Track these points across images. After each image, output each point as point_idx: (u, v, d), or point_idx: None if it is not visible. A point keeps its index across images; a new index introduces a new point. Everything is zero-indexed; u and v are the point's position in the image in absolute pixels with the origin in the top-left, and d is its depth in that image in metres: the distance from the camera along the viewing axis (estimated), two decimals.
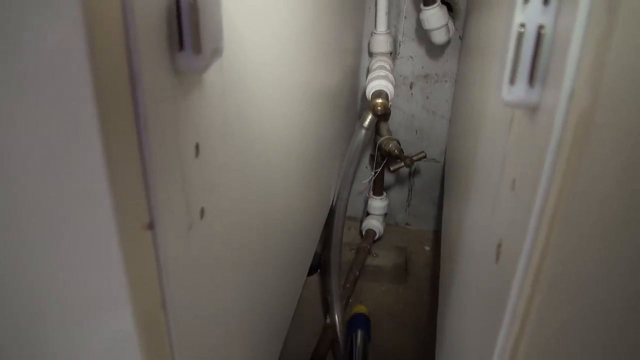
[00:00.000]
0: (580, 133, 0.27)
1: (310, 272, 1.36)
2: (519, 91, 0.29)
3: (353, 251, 1.44)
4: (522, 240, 0.32)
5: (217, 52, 0.33)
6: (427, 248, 1.49)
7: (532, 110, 0.31)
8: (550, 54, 0.28)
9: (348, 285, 1.29)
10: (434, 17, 1.15)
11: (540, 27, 0.28)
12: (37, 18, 0.25)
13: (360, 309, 1.25)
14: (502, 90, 0.30)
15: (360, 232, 1.48)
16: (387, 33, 1.26)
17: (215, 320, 0.46)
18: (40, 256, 0.30)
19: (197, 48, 0.31)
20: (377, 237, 1.44)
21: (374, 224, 1.44)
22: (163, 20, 0.30)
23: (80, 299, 0.32)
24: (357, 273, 1.33)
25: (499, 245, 0.38)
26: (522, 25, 0.28)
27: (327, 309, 1.24)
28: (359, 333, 1.18)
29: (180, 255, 0.37)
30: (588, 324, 0.31)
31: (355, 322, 1.21)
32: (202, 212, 0.39)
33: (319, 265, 1.37)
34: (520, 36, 0.28)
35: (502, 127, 0.42)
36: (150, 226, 0.33)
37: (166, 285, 0.35)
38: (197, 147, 0.37)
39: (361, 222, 1.49)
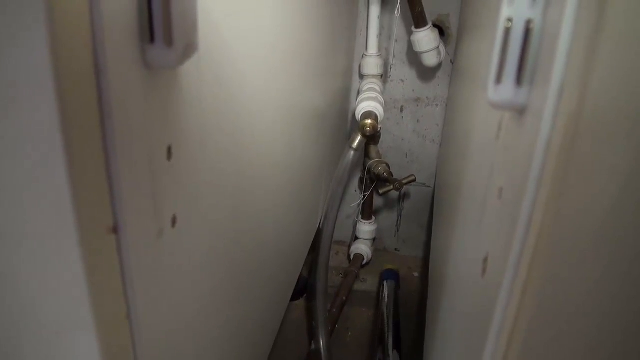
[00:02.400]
0: (569, 136, 0.26)
1: (297, 296, 1.34)
2: (505, 91, 0.28)
3: (341, 276, 1.41)
4: (508, 253, 0.30)
5: (191, 46, 0.31)
6: (415, 274, 1.47)
7: (520, 112, 0.30)
8: (538, 51, 0.27)
9: (334, 310, 1.27)
10: (426, 39, 1.15)
11: (529, 21, 0.26)
12: None
13: (390, 266, 1.42)
14: (487, 90, 0.28)
15: (349, 256, 1.45)
16: (378, 55, 1.25)
17: (186, 336, 0.44)
18: None
19: (169, 40, 0.29)
20: (365, 261, 1.42)
21: (363, 248, 1.41)
22: (133, 8, 0.28)
23: (35, 309, 0.30)
24: (344, 298, 1.30)
25: (485, 260, 0.36)
26: (510, 19, 0.26)
27: (312, 334, 1.21)
28: (388, 282, 1.35)
29: (148, 264, 0.35)
30: (577, 340, 0.29)
31: (385, 275, 1.38)
32: (174, 219, 0.37)
33: (305, 289, 1.34)
34: (507, 31, 0.27)
35: (490, 133, 0.40)
36: (115, 230, 0.31)
37: (131, 295, 0.33)
38: (169, 149, 0.35)
39: (349, 246, 1.46)
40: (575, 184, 0.26)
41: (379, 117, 1.11)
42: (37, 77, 0.24)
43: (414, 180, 1.24)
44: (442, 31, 1.23)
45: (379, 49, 1.25)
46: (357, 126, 1.12)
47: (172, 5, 0.28)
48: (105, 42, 0.27)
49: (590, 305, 0.28)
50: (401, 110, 1.36)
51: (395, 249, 1.53)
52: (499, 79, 0.28)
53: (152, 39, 0.29)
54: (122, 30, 0.28)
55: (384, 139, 1.38)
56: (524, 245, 0.29)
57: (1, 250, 0.28)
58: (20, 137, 0.26)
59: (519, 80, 0.28)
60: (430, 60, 1.19)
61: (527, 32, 0.27)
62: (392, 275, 1.39)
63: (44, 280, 0.29)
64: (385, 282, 1.36)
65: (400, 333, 1.19)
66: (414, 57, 1.26)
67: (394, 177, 1.22)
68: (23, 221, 0.27)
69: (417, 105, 1.34)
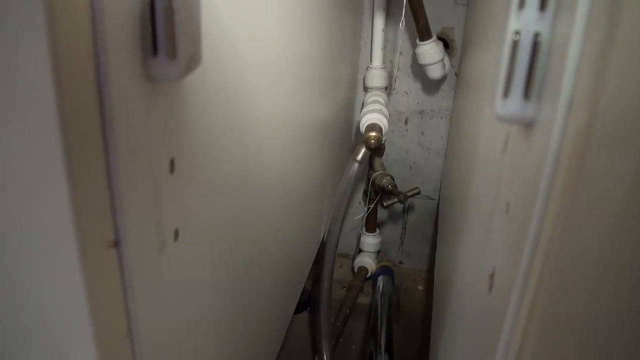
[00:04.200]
0: (579, 150, 0.25)
1: (300, 309, 1.33)
2: (513, 104, 0.27)
3: (344, 289, 1.40)
4: (516, 268, 0.29)
5: (194, 59, 0.31)
6: (420, 287, 1.46)
7: (528, 126, 0.29)
8: (547, 64, 0.26)
9: (338, 323, 1.26)
10: (430, 52, 1.15)
11: (537, 34, 0.26)
12: None
13: (385, 263, 1.44)
14: (495, 104, 0.28)
15: (352, 269, 1.44)
16: (383, 68, 1.25)
17: (188, 350, 0.43)
18: None
19: (172, 53, 0.29)
20: (369, 274, 1.41)
21: (367, 261, 1.40)
22: (135, 21, 0.28)
23: (34, 324, 0.29)
24: (348, 311, 1.29)
25: (492, 275, 0.36)
26: (517, 32, 0.26)
27: (315, 348, 1.20)
28: (383, 277, 1.37)
29: (150, 279, 0.34)
30: (586, 358, 0.28)
31: (380, 272, 1.40)
32: (177, 233, 0.37)
33: (309, 302, 1.33)
34: (514, 45, 0.26)
35: (497, 147, 0.40)
36: (116, 244, 0.30)
37: (133, 311, 0.33)
38: (172, 162, 0.35)
39: (353, 259, 1.46)
40: (585, 199, 0.26)
41: (383, 130, 1.11)
42: (37, 89, 0.24)
43: (419, 193, 1.23)
44: (446, 44, 1.23)
45: (384, 61, 1.25)
46: (361, 138, 1.12)
47: (176, 18, 0.28)
48: (108, 55, 0.26)
49: (601, 323, 0.27)
50: (405, 123, 1.35)
51: (400, 262, 1.53)
52: (506, 93, 0.27)
53: (155, 51, 0.29)
54: (125, 43, 0.27)
55: (388, 151, 1.37)
56: (532, 261, 0.28)
57: (0, 264, 0.28)
58: (20, 149, 0.25)
59: (526, 93, 0.27)
60: (434, 72, 1.19)
61: (535, 45, 0.26)
62: (386, 271, 1.41)
63: (43, 295, 0.29)
64: (379, 277, 1.38)
65: (392, 331, 1.19)
66: (418, 69, 1.26)
67: (398, 189, 1.21)
68: (23, 235, 0.27)
69: (422, 118, 1.34)
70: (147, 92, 0.30)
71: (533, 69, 0.27)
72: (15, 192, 0.26)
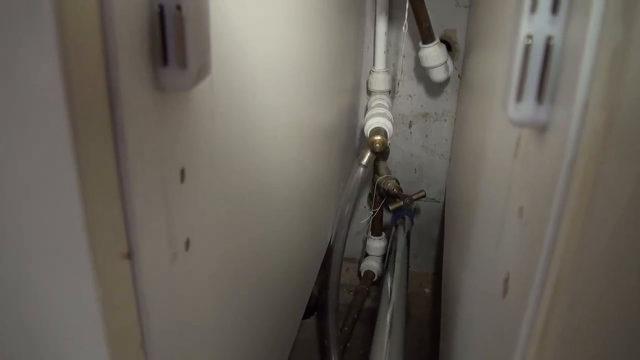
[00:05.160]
0: (595, 154, 0.25)
1: (307, 314, 1.32)
2: (526, 108, 0.27)
3: (351, 293, 1.40)
4: (532, 274, 0.29)
5: (204, 69, 0.31)
6: (427, 290, 1.45)
7: (541, 129, 0.29)
8: (559, 68, 0.26)
9: (346, 328, 1.25)
10: (433, 54, 1.15)
11: (549, 38, 0.26)
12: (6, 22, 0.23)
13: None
14: (507, 108, 0.27)
15: (359, 273, 1.44)
16: (386, 71, 1.25)
17: (200, 358, 0.43)
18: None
19: (182, 63, 0.29)
20: (375, 278, 1.40)
21: (373, 265, 1.40)
22: (145, 31, 0.28)
23: (48, 335, 0.29)
24: (356, 316, 1.29)
25: (506, 280, 0.35)
26: (529, 36, 0.26)
27: (323, 353, 1.19)
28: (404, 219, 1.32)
29: (163, 289, 0.34)
30: None
31: (400, 212, 1.32)
32: (188, 242, 0.37)
33: (316, 307, 1.33)
34: (527, 48, 0.26)
35: (507, 150, 0.40)
36: (129, 255, 0.30)
37: (146, 323, 0.32)
38: (182, 172, 0.35)
39: (359, 263, 1.45)
40: (602, 203, 0.25)
41: (388, 133, 1.11)
42: (48, 100, 0.24)
43: (424, 196, 1.23)
44: (449, 46, 1.23)
45: (387, 64, 1.25)
46: (365, 142, 1.12)
47: (186, 28, 0.28)
48: (118, 66, 0.26)
49: (622, 330, 0.27)
50: (410, 126, 1.35)
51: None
52: (519, 97, 0.27)
53: (165, 61, 0.29)
54: (135, 54, 0.27)
55: (392, 154, 1.37)
56: (548, 267, 0.28)
57: (15, 276, 0.28)
58: (32, 160, 0.25)
59: (539, 97, 0.27)
60: (438, 75, 1.19)
61: (548, 49, 0.26)
62: (406, 211, 1.35)
63: (57, 307, 0.28)
64: (398, 218, 1.32)
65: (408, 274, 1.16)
66: (421, 72, 1.26)
67: (404, 192, 1.21)
68: (36, 247, 0.27)
69: (426, 121, 1.34)
70: (157, 103, 0.30)
71: (546, 73, 0.26)
72: (28, 205, 0.26)
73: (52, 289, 0.28)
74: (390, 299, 0.99)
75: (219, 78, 0.39)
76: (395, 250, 1.18)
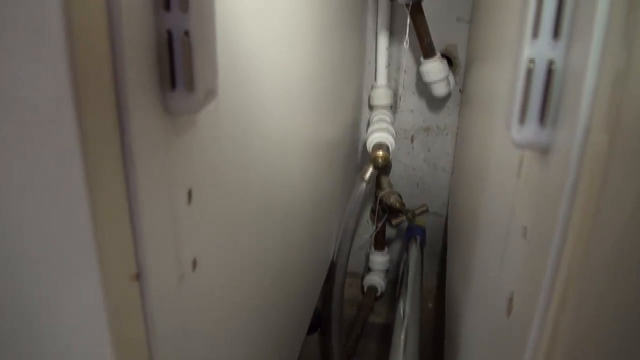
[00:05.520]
0: (598, 176, 0.25)
1: (310, 330, 1.32)
2: (529, 131, 0.28)
3: (354, 308, 1.40)
4: (537, 293, 0.29)
5: (211, 92, 0.32)
6: (430, 305, 1.45)
7: (544, 151, 0.29)
8: (562, 91, 0.27)
9: (349, 344, 1.25)
10: (434, 69, 1.16)
11: (551, 62, 0.26)
12: (20, 50, 0.23)
13: (419, 222, 1.34)
14: (511, 131, 0.28)
15: (362, 288, 1.44)
16: (387, 86, 1.26)
17: None
18: (12, 307, 0.28)
19: (190, 87, 0.29)
20: (379, 293, 1.40)
21: (376, 280, 1.40)
22: (153, 56, 0.28)
23: (58, 357, 0.29)
24: (359, 331, 1.29)
25: (511, 299, 0.36)
26: (531, 60, 0.26)
27: None
28: (416, 238, 1.29)
29: (170, 310, 0.34)
30: None
31: (412, 231, 1.31)
32: (195, 262, 0.37)
33: (319, 323, 1.33)
34: (529, 72, 0.26)
35: (510, 170, 0.40)
36: (138, 277, 0.30)
37: (154, 343, 0.33)
38: (189, 193, 0.35)
39: (362, 278, 1.45)
40: (605, 224, 0.26)
41: (390, 148, 1.11)
42: (58, 123, 0.24)
43: (427, 210, 1.23)
44: (450, 61, 1.24)
45: (388, 79, 1.26)
46: (368, 157, 1.12)
47: (194, 53, 0.29)
48: (127, 89, 0.27)
49: (627, 349, 0.27)
50: (411, 140, 1.36)
51: None
52: (522, 120, 0.27)
53: (173, 85, 0.29)
54: (144, 78, 0.28)
55: (394, 168, 1.38)
56: (553, 287, 0.28)
57: (25, 299, 0.28)
58: (42, 184, 0.25)
59: (542, 120, 0.27)
60: (439, 90, 1.19)
61: (550, 73, 0.26)
62: (419, 231, 1.32)
63: (66, 329, 0.29)
64: (410, 238, 1.28)
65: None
66: (423, 87, 1.26)
67: (406, 207, 1.21)
68: (46, 269, 0.27)
69: (428, 135, 1.34)
70: (165, 125, 0.31)
71: (548, 96, 0.27)
72: (38, 227, 0.26)
73: (62, 311, 0.28)
74: (404, 320, 0.99)
75: (226, 99, 0.40)
76: (408, 271, 1.17)
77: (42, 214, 0.26)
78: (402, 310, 1.01)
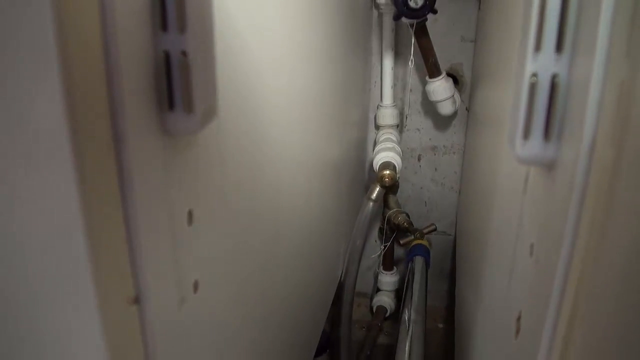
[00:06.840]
0: (605, 191, 0.25)
1: (319, 352, 1.31)
2: (533, 146, 0.27)
3: (364, 329, 1.38)
4: (544, 312, 0.29)
5: (211, 112, 0.31)
6: (440, 325, 1.43)
7: (549, 167, 0.29)
8: (566, 105, 0.26)
9: None
10: (440, 88, 1.16)
11: (554, 76, 0.26)
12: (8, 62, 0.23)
13: (422, 242, 1.27)
14: (515, 146, 0.27)
15: (371, 308, 1.42)
16: (393, 106, 1.26)
17: None
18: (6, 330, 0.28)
19: (189, 107, 0.29)
20: (388, 314, 1.39)
21: (385, 300, 1.39)
22: (151, 76, 0.28)
23: None
24: (369, 352, 1.27)
25: (519, 318, 0.35)
26: (534, 75, 0.26)
27: None
28: (418, 259, 1.22)
29: (171, 334, 0.34)
30: None
31: (415, 250, 1.25)
32: (196, 285, 0.37)
33: (328, 344, 1.31)
34: (532, 87, 0.26)
35: (516, 187, 0.39)
36: (137, 300, 0.30)
37: None
38: (190, 214, 0.35)
39: (371, 298, 1.44)
40: (612, 240, 0.25)
41: (397, 167, 1.11)
42: (54, 145, 0.24)
43: (435, 229, 1.22)
44: (456, 80, 1.24)
45: (394, 99, 1.26)
46: (374, 177, 1.12)
47: (192, 74, 0.28)
48: (125, 110, 0.26)
49: None
50: (419, 159, 1.35)
51: None
52: (526, 135, 0.27)
53: (171, 106, 0.29)
54: (141, 98, 0.28)
55: (402, 188, 1.37)
56: (560, 305, 0.27)
57: (21, 323, 0.27)
58: (38, 206, 0.25)
59: (546, 135, 0.27)
60: (445, 108, 1.19)
61: (553, 87, 0.26)
62: (421, 250, 1.27)
63: (64, 354, 0.28)
64: (414, 258, 1.24)
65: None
66: (429, 106, 1.26)
67: (414, 226, 1.20)
68: (42, 293, 0.27)
69: (435, 154, 1.34)
70: (164, 146, 0.30)
71: (552, 110, 0.26)
72: (33, 251, 0.26)
73: (58, 336, 0.28)
74: (408, 333, 0.97)
75: (226, 119, 0.39)
76: (412, 284, 1.15)
77: (37, 237, 0.26)
78: (406, 331, 0.99)
